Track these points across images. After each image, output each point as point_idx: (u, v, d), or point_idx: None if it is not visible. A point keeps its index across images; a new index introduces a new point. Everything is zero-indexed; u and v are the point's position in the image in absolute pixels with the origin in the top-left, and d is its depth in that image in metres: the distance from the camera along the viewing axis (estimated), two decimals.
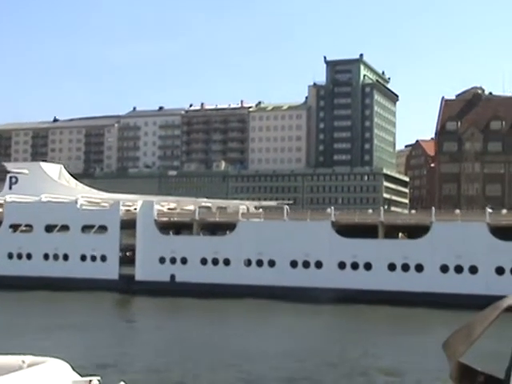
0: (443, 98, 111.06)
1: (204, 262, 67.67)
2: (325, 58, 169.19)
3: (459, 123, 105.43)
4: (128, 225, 69.88)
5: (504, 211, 66.09)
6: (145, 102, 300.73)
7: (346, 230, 66.06)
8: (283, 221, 67.19)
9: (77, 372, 3.18)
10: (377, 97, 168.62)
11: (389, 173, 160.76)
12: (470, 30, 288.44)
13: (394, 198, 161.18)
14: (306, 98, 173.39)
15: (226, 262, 67.16)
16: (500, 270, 60.92)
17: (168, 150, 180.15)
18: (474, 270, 61.50)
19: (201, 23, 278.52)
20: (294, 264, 65.72)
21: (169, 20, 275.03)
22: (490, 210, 62.48)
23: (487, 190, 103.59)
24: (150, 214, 69.58)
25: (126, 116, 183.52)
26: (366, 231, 65.64)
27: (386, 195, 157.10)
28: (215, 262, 67.47)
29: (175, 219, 71.15)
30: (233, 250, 66.61)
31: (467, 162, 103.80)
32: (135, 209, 71.48)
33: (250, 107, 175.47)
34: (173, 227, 72.96)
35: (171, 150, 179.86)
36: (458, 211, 66.80)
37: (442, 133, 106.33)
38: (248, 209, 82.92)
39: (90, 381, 3.11)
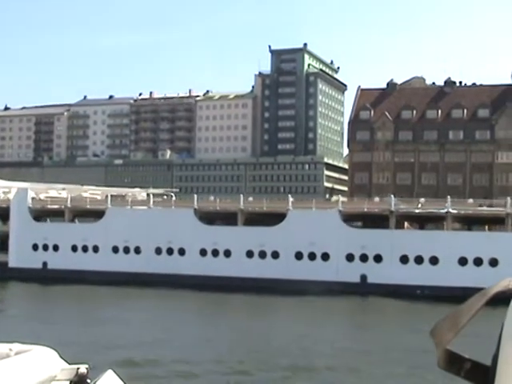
0: (359, 87, 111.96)
1: (74, 249, 68.67)
2: (269, 47, 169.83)
3: (372, 112, 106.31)
4: (2, 212, 70.84)
5: (355, 199, 67.16)
6: (96, 91, 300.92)
7: (209, 218, 67.16)
8: (149, 208, 68.16)
9: (64, 359, 3.19)
10: (321, 86, 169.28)
11: (330, 162, 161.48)
12: (418, 20, 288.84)
13: (337, 186, 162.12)
14: (253, 87, 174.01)
15: (95, 249, 68.18)
16: (350, 257, 62.09)
17: (117, 138, 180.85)
18: (325, 256, 62.62)
19: (150, 13, 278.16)
20: (158, 251, 66.76)
21: (119, 10, 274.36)
22: (342, 199, 63.55)
23: (398, 178, 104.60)
24: (23, 201, 70.45)
25: (75, 105, 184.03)
26: (228, 218, 66.77)
27: (327, 184, 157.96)
28: (85, 249, 68.49)
29: (48, 207, 72.00)
30: (101, 237, 67.59)
31: (378, 151, 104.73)
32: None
33: (197, 96, 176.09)
34: (48, 215, 73.84)
35: (120, 138, 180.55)
36: (314, 200, 67.68)
37: (355, 122, 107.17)
38: (149, 195, 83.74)
39: (78, 368, 3.11)
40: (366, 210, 62.89)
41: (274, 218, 64.30)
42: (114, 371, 3.16)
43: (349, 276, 60.95)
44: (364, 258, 61.46)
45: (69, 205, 69.74)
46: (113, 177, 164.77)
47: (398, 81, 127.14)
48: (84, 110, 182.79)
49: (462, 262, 59.46)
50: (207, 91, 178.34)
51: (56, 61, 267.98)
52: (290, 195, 65.95)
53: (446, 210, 60.13)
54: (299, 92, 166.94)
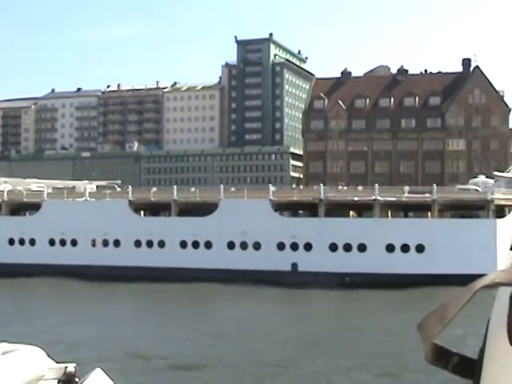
0: (314, 76, 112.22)
1: (11, 242, 68.71)
2: (235, 37, 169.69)
3: (326, 102, 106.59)
4: None
5: (285, 188, 67.46)
6: (64, 84, 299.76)
7: (144, 209, 67.38)
8: (85, 200, 68.30)
9: (52, 359, 3.20)
10: (288, 76, 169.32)
11: (297, 151, 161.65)
12: (386, 8, 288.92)
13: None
14: (220, 78, 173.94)
15: (32, 242, 68.25)
16: (281, 246, 62.51)
17: (85, 131, 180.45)
18: (257, 246, 62.97)
19: (117, 6, 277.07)
20: (93, 243, 66.99)
21: (85, 3, 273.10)
22: (272, 188, 63.86)
23: (351, 167, 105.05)
24: None
25: (43, 98, 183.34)
26: (163, 209, 67.01)
27: (294, 174, 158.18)
28: (22, 242, 68.55)
29: None
30: (38, 230, 67.65)
31: (332, 140, 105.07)
32: None
33: (165, 88, 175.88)
34: None
35: (88, 131, 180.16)
36: (245, 189, 67.98)
37: (309, 111, 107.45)
38: (98, 188, 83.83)
39: (66, 367, 3.16)
40: (296, 198, 63.18)
41: (208, 208, 64.56)
42: (103, 369, 3.27)
43: (280, 264, 61.34)
44: (294, 246, 61.85)
45: (5, 198, 69.68)
46: (80, 170, 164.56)
47: (366, 69, 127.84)
48: (52, 103, 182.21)
49: (390, 248, 59.96)
50: (175, 83, 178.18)
51: (23, 54, 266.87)
52: (221, 185, 65.78)
53: (373, 198, 60.52)
54: (265, 82, 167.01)
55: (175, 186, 67.29)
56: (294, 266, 61.76)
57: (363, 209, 65.56)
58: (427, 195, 61.09)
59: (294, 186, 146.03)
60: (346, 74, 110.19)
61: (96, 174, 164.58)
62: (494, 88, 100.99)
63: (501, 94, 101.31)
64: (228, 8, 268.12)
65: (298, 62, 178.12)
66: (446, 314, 1.27)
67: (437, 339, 1.31)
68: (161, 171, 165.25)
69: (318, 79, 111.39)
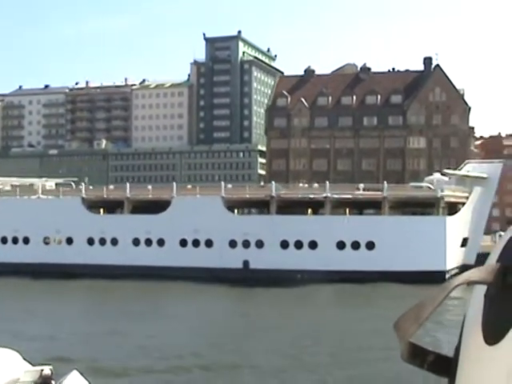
0: (283, 74, 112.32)
1: None
2: (204, 34, 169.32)
3: (289, 99, 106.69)
4: None
5: (229, 186, 67.46)
6: (32, 81, 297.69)
7: (96, 206, 67.04)
8: (38, 198, 67.81)
9: (27, 361, 3.09)
10: (257, 74, 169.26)
11: (265, 149, 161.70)
12: (357, 6, 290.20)
13: None
14: (189, 75, 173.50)
15: None
16: (233, 243, 62.51)
17: (53, 128, 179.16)
18: (209, 243, 62.91)
19: (86, 2, 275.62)
20: (46, 240, 66.53)
21: None
22: (224, 185, 63.81)
23: (314, 164, 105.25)
24: None
25: (10, 94, 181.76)
26: (115, 207, 66.72)
27: (262, 171, 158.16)
28: None
29: None
30: None
31: (295, 137, 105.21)
32: None
33: (133, 85, 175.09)
34: None
35: (56, 128, 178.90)
36: (189, 186, 67.92)
37: (272, 109, 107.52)
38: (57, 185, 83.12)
39: (42, 370, 3.02)
40: (247, 196, 63.18)
41: (161, 206, 64.38)
42: (79, 371, 3.10)
43: (232, 262, 61.34)
44: (246, 243, 61.86)
45: None
46: (47, 167, 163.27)
47: (335, 67, 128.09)
48: (19, 99, 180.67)
49: (340, 246, 60.17)
50: (143, 80, 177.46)
51: None
52: (174, 183, 65.60)
53: (324, 195, 60.69)
54: (234, 80, 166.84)
55: (128, 184, 67.06)
56: (246, 263, 61.80)
57: (319, 206, 65.71)
58: (378, 193, 61.35)
59: (262, 183, 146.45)
60: (309, 71, 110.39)
61: (63, 171, 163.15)
62: (454, 86, 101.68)
63: (461, 92, 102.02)
64: (197, 5, 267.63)
65: (267, 60, 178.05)
66: (422, 312, 1.28)
67: (412, 338, 1.31)
68: (129, 169, 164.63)
69: (281, 77, 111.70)
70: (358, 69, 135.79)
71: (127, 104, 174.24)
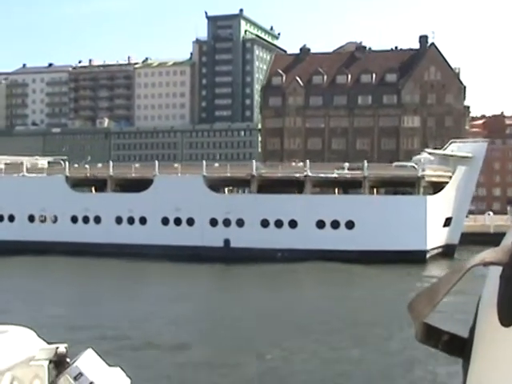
0: (275, 53, 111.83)
1: None
2: (206, 13, 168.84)
3: (284, 78, 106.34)
4: None
5: (216, 164, 67.59)
6: (35, 59, 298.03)
7: (80, 185, 67.41)
8: (22, 176, 68.19)
9: (43, 339, 3.12)
10: (259, 52, 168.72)
11: None
12: None
13: None
14: (191, 54, 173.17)
15: None
16: (214, 222, 62.71)
17: (56, 107, 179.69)
18: (191, 222, 63.15)
19: None
20: (31, 219, 67.00)
21: None
22: (205, 164, 63.92)
23: (309, 143, 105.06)
24: None
25: (13, 73, 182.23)
26: (99, 185, 67.06)
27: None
28: None
29: None
30: None
31: (289, 116, 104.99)
32: None
33: (136, 63, 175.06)
34: None
35: (59, 107, 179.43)
36: (177, 165, 68.02)
37: (267, 87, 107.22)
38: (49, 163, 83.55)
39: (57, 347, 3.05)
40: (228, 174, 63.27)
41: (144, 185, 64.61)
42: (94, 350, 3.13)
43: (213, 241, 61.56)
44: (227, 222, 62.05)
45: None
46: (51, 146, 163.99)
47: (336, 45, 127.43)
48: (23, 78, 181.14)
49: (320, 225, 60.23)
50: (146, 58, 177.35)
51: None
52: (156, 162, 65.78)
53: (304, 174, 60.68)
54: (236, 58, 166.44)
55: (111, 162, 67.25)
56: (227, 241, 62.01)
57: (300, 186, 65.73)
58: (358, 172, 61.28)
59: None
60: (304, 50, 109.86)
61: (66, 150, 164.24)
62: (449, 65, 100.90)
63: (456, 71, 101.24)
64: None
65: (270, 39, 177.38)
66: (436, 293, 1.28)
67: (427, 319, 1.32)
68: (130, 147, 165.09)
69: (277, 55, 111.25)
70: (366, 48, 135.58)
71: (130, 82, 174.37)
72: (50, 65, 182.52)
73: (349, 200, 61.87)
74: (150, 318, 33.64)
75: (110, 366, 3.18)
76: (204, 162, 64.52)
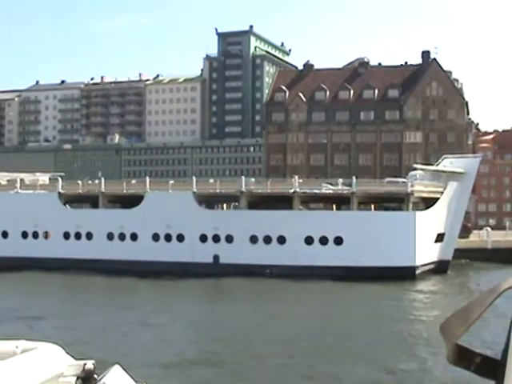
0: (278, 68, 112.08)
1: None
2: (216, 29, 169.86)
3: (287, 94, 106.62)
4: None
5: (211, 180, 67.72)
6: (48, 77, 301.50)
7: (73, 201, 67.88)
8: (15, 192, 68.81)
9: (70, 355, 3.17)
10: (268, 68, 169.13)
11: None
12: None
13: None
14: (202, 70, 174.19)
15: None
16: (203, 238, 62.82)
17: (68, 123, 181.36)
18: (181, 238, 63.31)
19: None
20: (24, 235, 67.53)
21: None
22: (195, 180, 64.10)
23: (311, 159, 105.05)
24: None
25: (27, 90, 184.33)
26: (91, 201, 67.49)
27: None
28: None
29: None
30: None
31: (292, 132, 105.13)
32: None
33: (147, 80, 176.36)
34: None
35: (71, 123, 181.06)
36: (171, 181, 68.25)
37: (270, 103, 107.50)
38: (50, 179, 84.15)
39: (85, 364, 3.10)
40: (218, 191, 63.44)
41: (135, 201, 64.95)
42: (121, 366, 3.15)
43: (202, 257, 61.68)
44: (216, 238, 62.13)
45: None
46: (62, 162, 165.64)
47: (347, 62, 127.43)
48: (35, 95, 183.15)
49: (308, 241, 60.11)
50: (157, 75, 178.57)
51: (8, 46, 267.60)
52: (147, 178, 66.17)
53: (293, 190, 60.67)
54: (245, 75, 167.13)
55: (103, 179, 67.63)
56: (216, 257, 62.06)
57: (289, 202, 65.70)
58: (346, 188, 61.18)
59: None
60: (308, 66, 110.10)
61: (77, 166, 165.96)
62: (451, 80, 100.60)
63: (458, 86, 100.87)
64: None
65: (280, 55, 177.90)
66: (470, 315, 1.22)
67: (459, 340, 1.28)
68: (141, 163, 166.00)
69: (280, 71, 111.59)
70: (370, 63, 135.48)
71: (141, 99, 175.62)
72: (63, 82, 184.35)
73: (337, 216, 61.77)
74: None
75: (136, 382, 3.19)
76: (194, 178, 64.78)
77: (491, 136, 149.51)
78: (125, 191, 66.21)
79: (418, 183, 61.75)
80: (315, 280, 54.76)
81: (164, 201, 63.41)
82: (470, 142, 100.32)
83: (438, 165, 66.95)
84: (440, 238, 64.35)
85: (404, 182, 64.45)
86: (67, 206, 67.63)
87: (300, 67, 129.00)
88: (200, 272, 58.72)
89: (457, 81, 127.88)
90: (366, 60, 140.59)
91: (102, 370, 3.03)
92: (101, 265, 61.61)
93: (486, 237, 78.66)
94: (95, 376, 3.00)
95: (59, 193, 67.01)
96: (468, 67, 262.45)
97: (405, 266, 58.36)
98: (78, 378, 3.00)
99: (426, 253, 61.55)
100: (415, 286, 57.61)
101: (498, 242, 79.34)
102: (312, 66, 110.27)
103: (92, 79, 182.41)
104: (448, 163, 66.20)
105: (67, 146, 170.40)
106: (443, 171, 64.15)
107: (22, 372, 2.62)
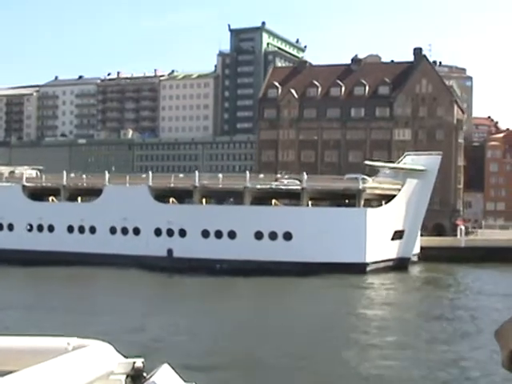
0: (274, 65, 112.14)
1: None
2: (229, 26, 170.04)
3: (280, 90, 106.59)
4: None
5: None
6: (67, 72, 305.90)
7: (35, 194, 69.00)
8: None
9: (121, 354, 3.18)
10: (281, 64, 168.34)
11: None
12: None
13: None
14: (215, 66, 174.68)
15: None
16: (158, 232, 63.33)
17: (84, 118, 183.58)
18: (137, 231, 63.96)
19: None
20: None
21: None
22: (151, 174, 64.63)
23: (302, 156, 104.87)
24: None
25: (45, 85, 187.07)
26: (54, 194, 68.49)
27: None
28: None
29: None
30: None
31: (284, 128, 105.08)
32: None
33: (162, 76, 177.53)
34: None
35: (87, 118, 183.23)
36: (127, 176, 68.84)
37: (263, 100, 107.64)
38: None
39: (134, 362, 3.08)
40: (172, 185, 63.87)
41: (95, 194, 65.80)
42: (170, 365, 3.16)
43: (157, 250, 62.27)
44: (170, 232, 62.64)
45: None
46: (77, 156, 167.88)
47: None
48: (53, 90, 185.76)
49: (258, 236, 60.22)
50: (172, 71, 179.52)
51: (28, 42, 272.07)
52: (106, 172, 66.90)
53: (243, 186, 60.83)
54: (257, 71, 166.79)
55: (65, 172, 68.55)
56: (170, 251, 62.58)
57: (241, 197, 65.72)
58: (297, 183, 61.09)
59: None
60: (301, 62, 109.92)
61: (91, 160, 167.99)
62: (441, 78, 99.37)
63: (449, 83, 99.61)
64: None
65: (295, 51, 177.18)
66: None
67: None
68: (153, 158, 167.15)
69: (274, 68, 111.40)
70: (382, 60, 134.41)
71: (155, 95, 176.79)
72: (80, 77, 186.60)
73: (287, 211, 61.72)
74: None
75: (185, 381, 3.21)
76: (150, 173, 65.32)
77: (502, 134, 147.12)
78: (85, 184, 66.95)
79: (374, 180, 61.34)
80: (264, 275, 54.93)
81: (121, 194, 64.14)
82: (460, 140, 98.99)
83: (399, 162, 66.43)
84: (398, 235, 63.86)
85: (364, 179, 64.14)
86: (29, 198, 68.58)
87: (315, 63, 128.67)
88: (154, 265, 59.26)
89: (470, 79, 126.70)
90: (375, 55, 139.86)
91: (152, 368, 3.12)
92: (62, 257, 62.47)
93: (459, 235, 77.84)
94: (144, 374, 3.03)
95: (23, 186, 68.12)
96: (490, 66, 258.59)
97: (354, 262, 58.10)
98: (127, 377, 3.04)
99: (381, 250, 61.10)
100: (363, 281, 57.26)
101: (474, 240, 78.42)
102: (305, 62, 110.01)
103: (109, 74, 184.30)
104: (409, 160, 65.64)
105: (82, 141, 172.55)
106: (401, 168, 63.65)
107: (73, 369, 2.68)
